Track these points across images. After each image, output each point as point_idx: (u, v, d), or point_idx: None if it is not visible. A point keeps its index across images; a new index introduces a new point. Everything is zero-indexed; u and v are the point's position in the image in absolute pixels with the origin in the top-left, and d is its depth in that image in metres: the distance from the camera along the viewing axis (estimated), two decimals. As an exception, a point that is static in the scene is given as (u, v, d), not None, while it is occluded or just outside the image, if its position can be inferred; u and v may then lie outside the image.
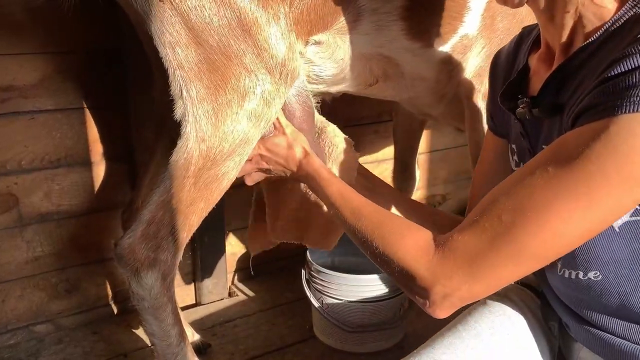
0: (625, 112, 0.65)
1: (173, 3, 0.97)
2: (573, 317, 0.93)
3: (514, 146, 1.02)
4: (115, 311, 1.73)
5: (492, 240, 0.73)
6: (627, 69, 0.67)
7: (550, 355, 1.05)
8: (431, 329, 1.76)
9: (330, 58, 1.29)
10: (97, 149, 1.58)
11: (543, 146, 0.88)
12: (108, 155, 1.60)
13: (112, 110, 1.57)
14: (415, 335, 1.63)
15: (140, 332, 1.65)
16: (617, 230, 0.78)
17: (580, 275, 0.84)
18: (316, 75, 1.33)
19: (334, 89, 1.46)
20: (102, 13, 1.47)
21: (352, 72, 1.37)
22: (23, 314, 1.59)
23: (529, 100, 0.88)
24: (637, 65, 0.67)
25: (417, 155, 2.00)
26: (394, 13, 1.26)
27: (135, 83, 1.53)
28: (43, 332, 1.62)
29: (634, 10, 0.75)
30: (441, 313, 0.79)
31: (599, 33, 0.79)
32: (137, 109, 1.56)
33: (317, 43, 1.24)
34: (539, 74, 0.94)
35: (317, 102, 1.31)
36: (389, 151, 2.06)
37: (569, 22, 0.83)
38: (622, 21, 0.76)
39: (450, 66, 1.42)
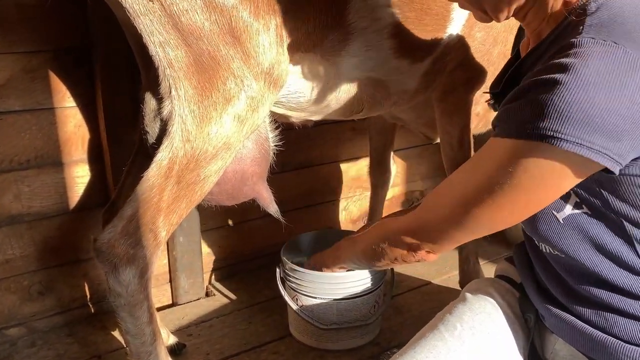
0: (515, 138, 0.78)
1: (164, 5, 0.98)
2: (549, 307, 0.98)
3: None
4: (90, 313, 1.71)
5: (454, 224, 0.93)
6: (522, 91, 0.78)
7: (526, 347, 1.08)
8: (407, 325, 1.76)
9: (310, 82, 1.27)
10: (67, 150, 1.56)
11: None
12: (78, 155, 1.58)
13: (81, 110, 1.55)
14: (390, 331, 1.64)
15: (115, 333, 1.63)
16: (562, 222, 0.87)
17: (549, 249, 0.93)
18: (294, 102, 1.30)
19: (315, 118, 1.44)
20: (70, 11, 1.46)
21: (337, 101, 1.35)
22: (-6, 318, 1.57)
23: (492, 95, 0.99)
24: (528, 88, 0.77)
25: (396, 152, 2.01)
26: (384, 31, 1.25)
27: (106, 82, 1.52)
28: (16, 335, 1.60)
29: (572, 18, 0.82)
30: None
31: (548, 34, 0.86)
32: (109, 108, 1.54)
33: (296, 64, 1.21)
34: None
35: (275, 146, 1.29)
36: (367, 148, 2.06)
37: (536, 23, 0.90)
38: (564, 26, 0.84)
39: (431, 75, 1.43)
